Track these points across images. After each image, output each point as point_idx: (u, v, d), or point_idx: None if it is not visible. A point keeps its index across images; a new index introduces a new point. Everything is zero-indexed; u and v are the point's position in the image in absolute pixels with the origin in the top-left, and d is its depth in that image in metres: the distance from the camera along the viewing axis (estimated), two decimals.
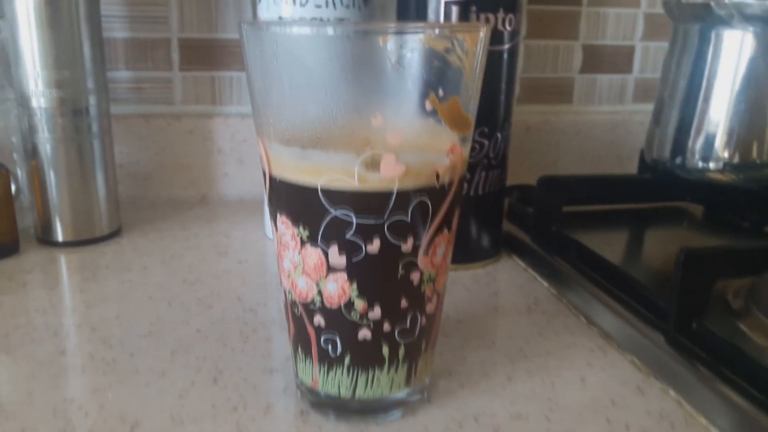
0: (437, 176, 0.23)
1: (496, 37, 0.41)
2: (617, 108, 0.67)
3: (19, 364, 0.31)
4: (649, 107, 0.52)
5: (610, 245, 0.46)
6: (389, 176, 0.22)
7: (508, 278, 0.44)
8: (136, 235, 0.49)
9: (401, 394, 0.27)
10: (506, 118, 0.44)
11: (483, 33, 0.24)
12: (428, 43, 0.23)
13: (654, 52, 0.67)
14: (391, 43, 0.22)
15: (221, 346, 0.33)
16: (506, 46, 0.41)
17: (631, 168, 0.59)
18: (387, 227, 0.23)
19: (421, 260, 0.25)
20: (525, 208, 0.50)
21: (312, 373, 0.27)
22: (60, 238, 0.46)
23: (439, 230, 0.25)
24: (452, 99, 0.23)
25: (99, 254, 0.45)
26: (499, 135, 0.43)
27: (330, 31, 0.22)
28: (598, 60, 0.66)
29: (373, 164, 0.22)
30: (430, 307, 0.26)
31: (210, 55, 0.58)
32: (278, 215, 0.25)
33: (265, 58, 0.23)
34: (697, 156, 0.45)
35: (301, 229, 0.24)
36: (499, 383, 0.30)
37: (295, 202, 0.24)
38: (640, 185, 0.52)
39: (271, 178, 0.25)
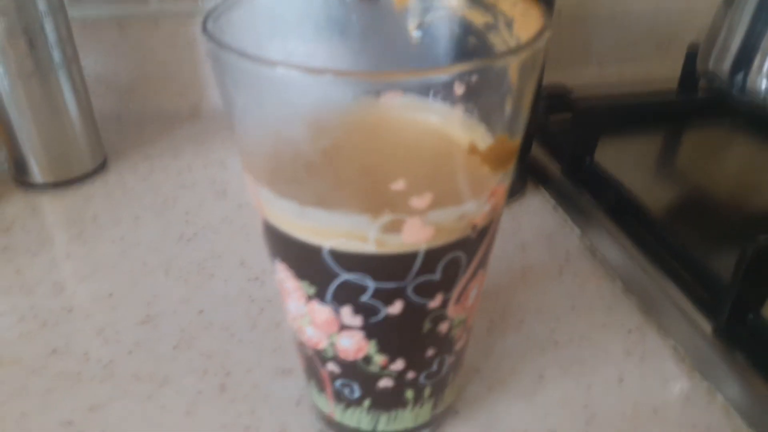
0: (474, 227, 0.19)
1: None
2: None
3: (8, 372, 0.29)
4: None
5: (653, 187, 0.41)
6: (414, 241, 0.18)
7: (536, 223, 0.39)
8: (124, 169, 0.45)
9: (426, 420, 0.25)
10: None
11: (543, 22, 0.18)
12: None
13: None
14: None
15: (227, 336, 0.31)
16: None
17: (670, 58, 0.52)
18: (412, 289, 0.19)
19: (452, 310, 0.21)
20: (557, 122, 0.45)
21: (328, 407, 0.24)
22: (39, 179, 0.42)
23: (473, 276, 0.20)
24: (499, 139, 0.18)
25: (84, 200, 0.41)
26: None
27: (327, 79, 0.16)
28: None
29: (394, 228, 0.17)
30: (459, 345, 0.23)
31: None
32: (275, 260, 0.21)
33: (237, 91, 0.17)
34: (765, 77, 0.38)
35: (306, 284, 0.20)
36: (530, 385, 0.28)
37: (296, 257, 0.19)
38: (689, 107, 0.45)
39: (264, 221, 0.20)
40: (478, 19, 0.21)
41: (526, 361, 0.29)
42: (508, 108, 0.18)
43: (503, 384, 0.28)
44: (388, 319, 0.20)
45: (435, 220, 0.18)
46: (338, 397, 0.23)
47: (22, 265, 0.35)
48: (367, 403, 0.23)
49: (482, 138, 0.18)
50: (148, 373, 0.29)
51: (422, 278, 0.19)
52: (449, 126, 0.19)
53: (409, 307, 0.19)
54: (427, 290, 0.19)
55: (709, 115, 0.45)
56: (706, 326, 0.29)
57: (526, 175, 0.44)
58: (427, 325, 0.20)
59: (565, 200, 0.41)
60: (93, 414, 0.27)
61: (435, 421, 0.25)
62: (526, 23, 0.19)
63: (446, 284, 0.19)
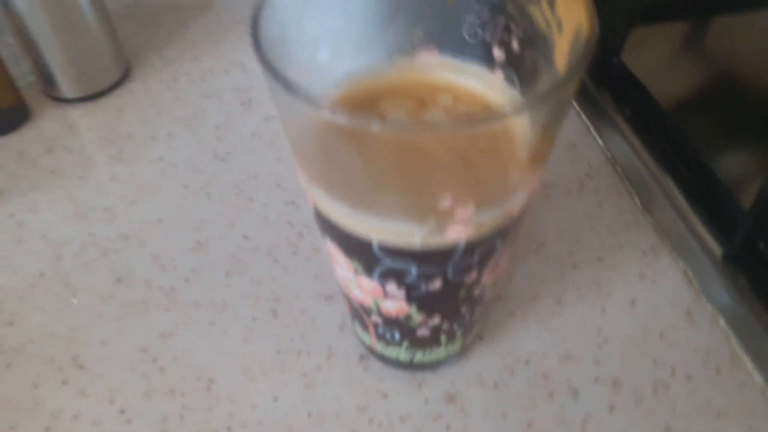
0: (511, 217, 0.20)
1: None
2: None
3: (83, 302, 0.32)
4: None
5: (682, 92, 0.41)
6: (456, 238, 0.19)
7: (560, 133, 0.40)
8: (147, 76, 0.45)
9: (457, 351, 0.28)
10: None
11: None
12: None
13: None
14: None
15: (272, 262, 0.33)
16: None
17: None
18: (451, 271, 0.21)
19: (486, 278, 0.23)
20: None
21: (370, 341, 0.28)
22: (68, 95, 0.43)
23: (507, 250, 0.22)
24: (543, 137, 0.19)
25: (116, 114, 0.42)
26: None
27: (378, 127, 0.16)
28: None
29: (439, 230, 0.19)
30: (488, 296, 0.25)
31: None
32: (325, 237, 0.22)
33: (288, 111, 0.18)
34: None
35: (354, 263, 0.22)
36: (549, 309, 0.31)
37: (346, 242, 0.21)
38: None
39: (315, 207, 0.21)
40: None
41: (546, 285, 0.32)
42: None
43: (524, 310, 0.31)
44: (429, 292, 0.22)
45: (477, 221, 0.19)
46: (380, 337, 0.26)
47: (72, 190, 0.37)
48: (405, 344, 0.26)
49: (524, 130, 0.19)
50: (208, 300, 0.32)
51: (461, 263, 0.21)
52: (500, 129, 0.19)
53: (447, 283, 0.22)
54: (464, 270, 0.21)
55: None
56: (717, 251, 0.32)
57: None
58: (462, 293, 0.23)
59: (589, 105, 0.41)
60: (164, 341, 0.30)
61: (464, 350, 0.29)
62: (568, 10, 0.19)
63: (482, 264, 0.21)
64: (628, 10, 0.40)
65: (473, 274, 0.22)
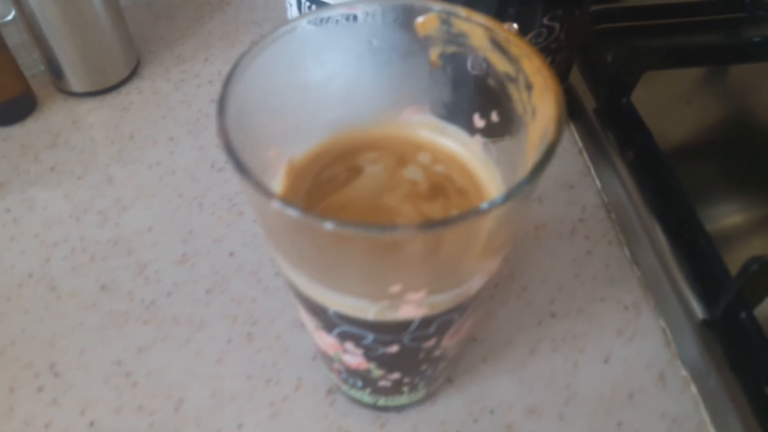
0: (470, 296, 0.20)
1: None
2: None
3: (67, 308, 0.33)
4: None
5: (689, 143, 0.40)
6: (411, 317, 0.19)
7: (559, 169, 0.40)
8: (156, 74, 0.45)
9: (421, 398, 0.28)
10: None
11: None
12: None
13: None
14: None
15: (255, 282, 0.34)
16: None
17: None
18: (408, 339, 0.21)
19: (446, 342, 0.23)
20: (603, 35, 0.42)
21: (335, 380, 0.28)
22: (76, 89, 0.43)
23: (468, 320, 0.22)
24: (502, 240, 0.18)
25: (121, 112, 0.43)
26: (577, 12, 0.34)
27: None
28: None
29: (392, 309, 0.19)
30: (453, 353, 0.25)
31: None
32: (290, 291, 0.23)
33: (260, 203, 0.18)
34: None
35: (314, 319, 0.22)
36: (521, 358, 0.31)
37: (305, 301, 0.21)
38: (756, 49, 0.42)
39: (278, 265, 0.22)
40: (501, 66, 0.20)
41: (522, 332, 0.32)
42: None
43: (497, 355, 0.31)
44: (387, 353, 0.22)
45: (431, 302, 0.19)
46: (344, 381, 0.27)
47: (70, 189, 0.38)
48: (368, 390, 0.26)
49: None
50: (187, 317, 0.32)
51: (418, 333, 0.21)
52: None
53: (405, 347, 0.22)
54: (422, 339, 0.21)
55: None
56: (699, 314, 0.31)
57: None
58: (422, 355, 0.23)
59: (592, 144, 0.40)
60: (140, 355, 0.31)
61: (430, 395, 0.29)
62: (542, 102, 0.19)
63: (440, 333, 0.22)
64: (644, 51, 0.39)
65: (432, 341, 0.22)
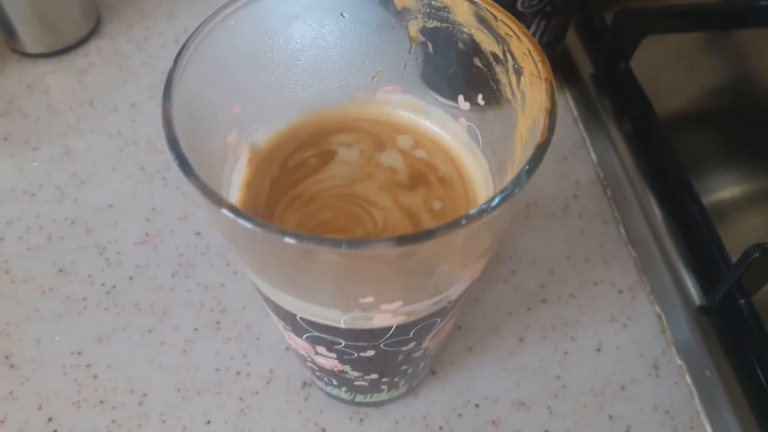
0: (450, 302, 0.18)
1: None
2: None
3: (22, 293, 0.30)
4: None
5: (690, 114, 0.37)
6: (385, 325, 0.17)
7: (554, 139, 0.37)
8: (119, 33, 0.42)
9: (402, 394, 0.27)
10: None
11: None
12: None
13: None
14: None
15: (223, 265, 0.31)
16: None
17: None
18: (384, 345, 0.19)
19: (427, 344, 0.21)
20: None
21: (310, 376, 0.26)
22: (31, 50, 0.39)
23: (449, 321, 0.20)
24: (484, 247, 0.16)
25: (80, 77, 0.39)
26: None
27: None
28: None
29: (365, 317, 0.17)
30: (436, 349, 0.23)
31: None
32: (256, 293, 0.20)
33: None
34: None
35: (282, 323, 0.20)
36: (509, 347, 0.29)
37: (273, 307, 0.19)
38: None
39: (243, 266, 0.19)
40: (487, 45, 0.18)
41: (510, 319, 0.30)
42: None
43: (483, 345, 0.29)
44: (362, 357, 0.20)
45: (407, 311, 0.17)
46: (319, 379, 0.25)
47: (24, 162, 0.35)
48: (344, 389, 0.24)
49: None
50: (149, 304, 0.30)
51: (394, 338, 0.19)
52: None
53: (381, 352, 0.20)
54: (400, 344, 0.19)
55: None
56: (696, 300, 0.30)
57: (556, 67, 0.40)
58: (401, 357, 0.21)
59: (588, 113, 0.38)
60: (100, 345, 0.29)
61: (411, 390, 0.27)
62: (532, 90, 0.16)
63: (420, 337, 0.19)
64: (644, 16, 0.36)
65: (411, 345, 0.20)
